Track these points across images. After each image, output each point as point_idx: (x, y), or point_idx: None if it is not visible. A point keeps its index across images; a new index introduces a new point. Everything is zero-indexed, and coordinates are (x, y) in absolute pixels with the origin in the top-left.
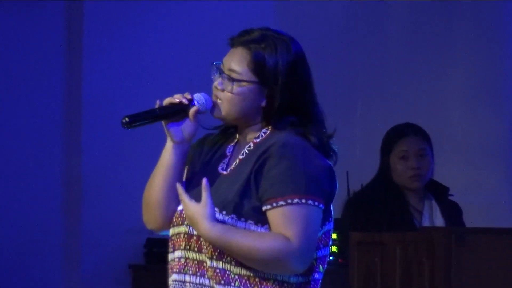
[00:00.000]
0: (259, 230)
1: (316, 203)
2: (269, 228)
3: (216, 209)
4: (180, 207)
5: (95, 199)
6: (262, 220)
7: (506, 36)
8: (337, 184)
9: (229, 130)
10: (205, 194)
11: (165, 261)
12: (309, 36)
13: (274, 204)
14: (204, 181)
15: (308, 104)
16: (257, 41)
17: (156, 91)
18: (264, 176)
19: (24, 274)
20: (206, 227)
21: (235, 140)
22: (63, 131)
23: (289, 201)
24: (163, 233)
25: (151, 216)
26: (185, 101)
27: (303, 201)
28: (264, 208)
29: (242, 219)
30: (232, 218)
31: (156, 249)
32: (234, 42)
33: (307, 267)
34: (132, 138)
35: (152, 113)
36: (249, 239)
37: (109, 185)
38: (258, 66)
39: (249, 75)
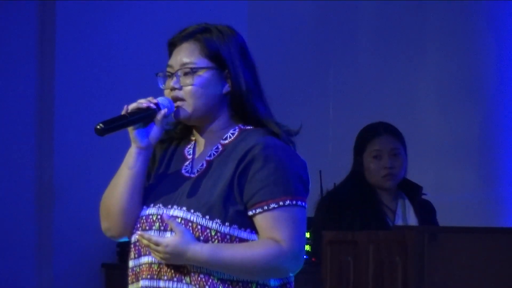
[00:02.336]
0: (242, 233)
1: (304, 204)
2: (255, 231)
3: (199, 213)
4: (146, 212)
5: (67, 198)
6: (245, 223)
7: (476, 35)
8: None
9: (175, 134)
10: (174, 225)
11: None
12: (282, 36)
13: (266, 208)
14: (166, 216)
15: (263, 90)
16: (201, 31)
17: (130, 92)
18: (249, 180)
19: None
20: (194, 252)
21: (192, 142)
22: (35, 131)
23: (281, 203)
24: (122, 240)
25: (113, 223)
26: (152, 106)
27: (294, 202)
28: (252, 212)
29: (227, 223)
30: (216, 223)
31: (129, 248)
32: (175, 41)
33: (301, 267)
34: (104, 138)
35: (124, 119)
36: (240, 252)
37: (82, 184)
38: (211, 51)
39: (205, 62)
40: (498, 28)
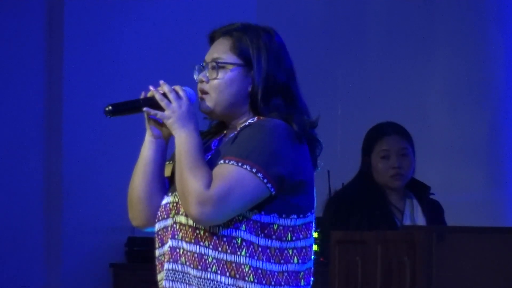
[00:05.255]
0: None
1: (254, 170)
2: (255, 209)
3: None
4: (164, 201)
5: (76, 198)
6: None
7: (485, 34)
8: (303, 179)
9: (213, 129)
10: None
11: (146, 259)
12: (290, 35)
13: (218, 163)
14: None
15: (293, 92)
16: (239, 29)
17: (138, 88)
18: None
19: (5, 272)
20: (194, 130)
21: (222, 135)
22: (44, 129)
23: (227, 161)
24: (148, 229)
25: (135, 212)
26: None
27: (240, 164)
28: None
29: None
30: None
31: (138, 247)
32: (214, 35)
33: (213, 223)
34: (113, 136)
35: (135, 103)
36: (195, 164)
37: (90, 183)
38: (241, 49)
39: (233, 59)
40: (508, 27)
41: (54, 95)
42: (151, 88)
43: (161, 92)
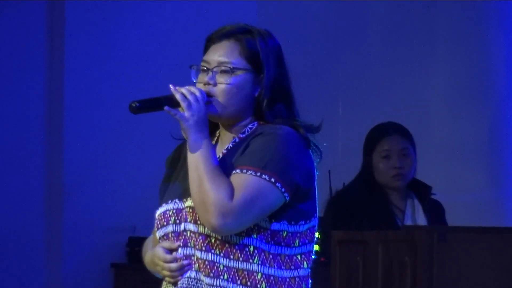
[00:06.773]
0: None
1: (273, 180)
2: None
3: None
4: (162, 209)
5: (77, 198)
6: None
7: (487, 36)
8: (311, 185)
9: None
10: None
11: None
12: (292, 36)
13: (233, 172)
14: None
15: (292, 96)
16: (244, 31)
17: (138, 90)
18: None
19: (6, 273)
20: (207, 140)
21: (215, 138)
22: (45, 130)
23: (244, 171)
24: None
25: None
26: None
27: (258, 174)
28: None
29: None
30: None
31: (139, 248)
32: (215, 37)
33: (231, 232)
34: (114, 136)
35: (157, 101)
36: (214, 171)
37: (91, 184)
38: (251, 54)
39: (243, 64)
40: (509, 28)
41: (55, 96)
42: (171, 86)
43: (180, 92)
